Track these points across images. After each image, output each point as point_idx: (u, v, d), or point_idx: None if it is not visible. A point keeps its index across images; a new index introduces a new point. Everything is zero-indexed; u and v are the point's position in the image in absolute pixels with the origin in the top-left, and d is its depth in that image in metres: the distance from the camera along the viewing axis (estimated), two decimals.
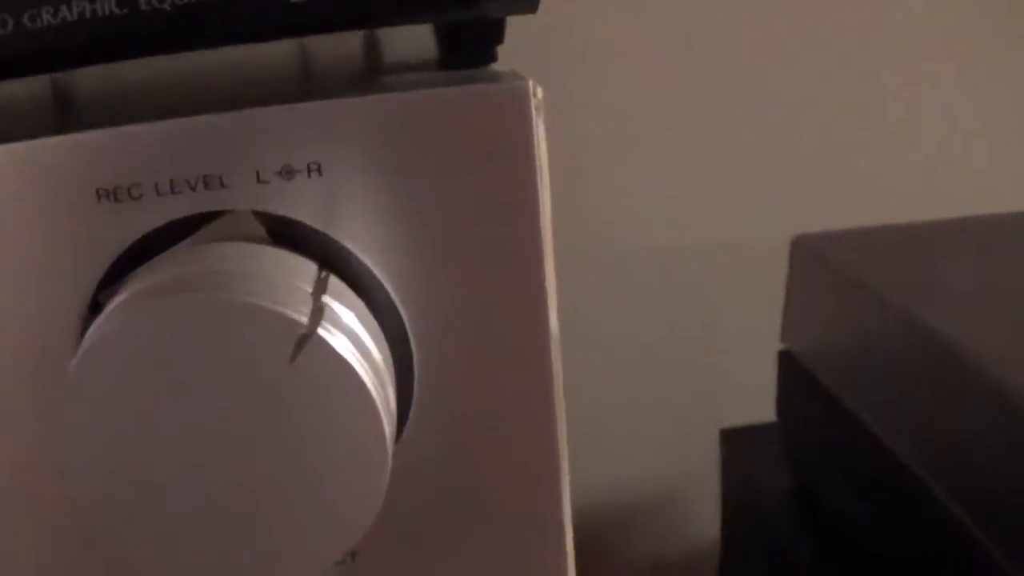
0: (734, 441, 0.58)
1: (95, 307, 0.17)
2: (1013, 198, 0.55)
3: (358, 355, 0.15)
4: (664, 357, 0.62)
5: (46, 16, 0.17)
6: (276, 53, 0.20)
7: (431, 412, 0.18)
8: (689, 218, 0.61)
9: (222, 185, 0.16)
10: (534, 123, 0.16)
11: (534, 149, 0.16)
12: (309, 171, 0.16)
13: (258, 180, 0.16)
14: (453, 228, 0.17)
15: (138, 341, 0.15)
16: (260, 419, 0.15)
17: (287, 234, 0.17)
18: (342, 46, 0.21)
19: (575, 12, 0.55)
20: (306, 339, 0.14)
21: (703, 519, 0.63)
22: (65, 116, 0.20)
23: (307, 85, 0.20)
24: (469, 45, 0.19)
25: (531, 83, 0.16)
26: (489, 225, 0.17)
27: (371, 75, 0.21)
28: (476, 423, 0.18)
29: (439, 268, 0.17)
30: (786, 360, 0.52)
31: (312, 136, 0.16)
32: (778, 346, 0.53)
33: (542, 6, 0.18)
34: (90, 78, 0.19)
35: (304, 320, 0.14)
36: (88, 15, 0.17)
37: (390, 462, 0.15)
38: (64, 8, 0.17)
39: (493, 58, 0.20)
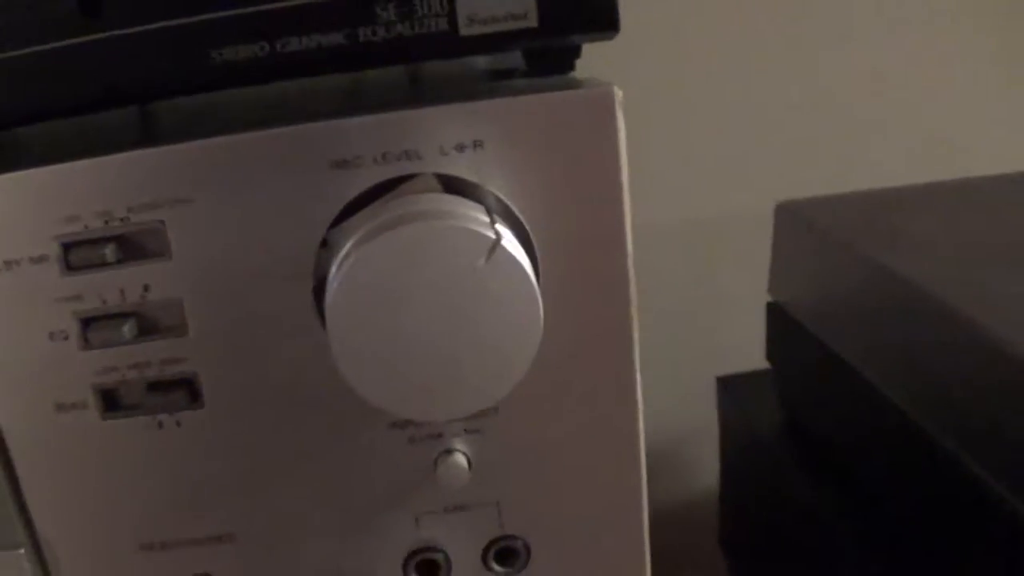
0: (730, 387, 0.66)
1: (324, 243, 0.28)
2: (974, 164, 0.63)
3: (523, 255, 0.25)
4: (666, 316, 0.71)
5: (293, 43, 0.27)
6: None
7: (548, 297, 0.28)
8: (685, 193, 0.70)
9: (418, 157, 0.27)
10: (618, 117, 0.27)
11: (618, 133, 0.27)
12: (475, 146, 0.27)
13: (441, 153, 0.27)
14: (562, 183, 0.27)
15: (379, 256, 0.25)
16: (462, 300, 0.25)
17: (456, 187, 0.27)
18: None
19: None
20: (496, 246, 0.25)
21: (703, 463, 0.72)
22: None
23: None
24: (556, 60, 0.30)
25: (615, 88, 0.27)
26: (586, 182, 0.28)
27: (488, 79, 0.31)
28: (575, 306, 0.29)
29: (553, 210, 0.28)
30: (774, 310, 0.61)
31: (475, 123, 0.27)
32: (766, 300, 0.62)
33: None
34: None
35: (492, 235, 0.25)
36: (323, 44, 0.27)
37: (542, 323, 0.26)
38: (305, 39, 0.27)
39: (572, 68, 0.30)
